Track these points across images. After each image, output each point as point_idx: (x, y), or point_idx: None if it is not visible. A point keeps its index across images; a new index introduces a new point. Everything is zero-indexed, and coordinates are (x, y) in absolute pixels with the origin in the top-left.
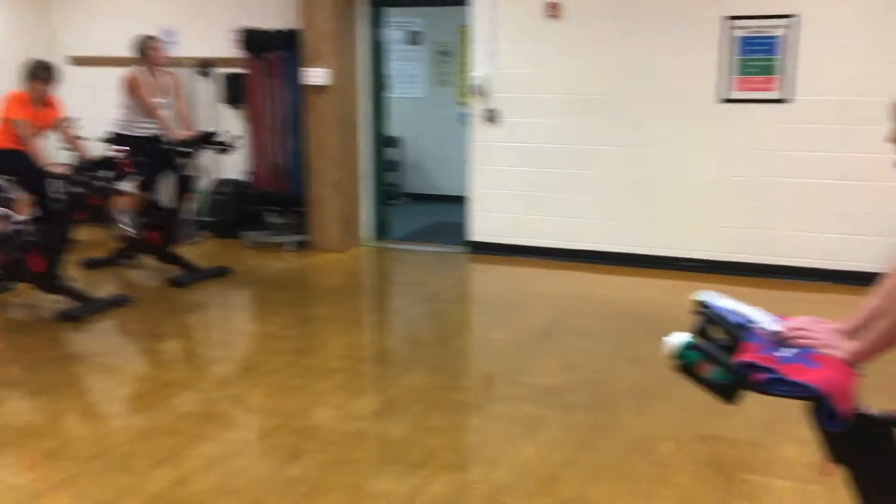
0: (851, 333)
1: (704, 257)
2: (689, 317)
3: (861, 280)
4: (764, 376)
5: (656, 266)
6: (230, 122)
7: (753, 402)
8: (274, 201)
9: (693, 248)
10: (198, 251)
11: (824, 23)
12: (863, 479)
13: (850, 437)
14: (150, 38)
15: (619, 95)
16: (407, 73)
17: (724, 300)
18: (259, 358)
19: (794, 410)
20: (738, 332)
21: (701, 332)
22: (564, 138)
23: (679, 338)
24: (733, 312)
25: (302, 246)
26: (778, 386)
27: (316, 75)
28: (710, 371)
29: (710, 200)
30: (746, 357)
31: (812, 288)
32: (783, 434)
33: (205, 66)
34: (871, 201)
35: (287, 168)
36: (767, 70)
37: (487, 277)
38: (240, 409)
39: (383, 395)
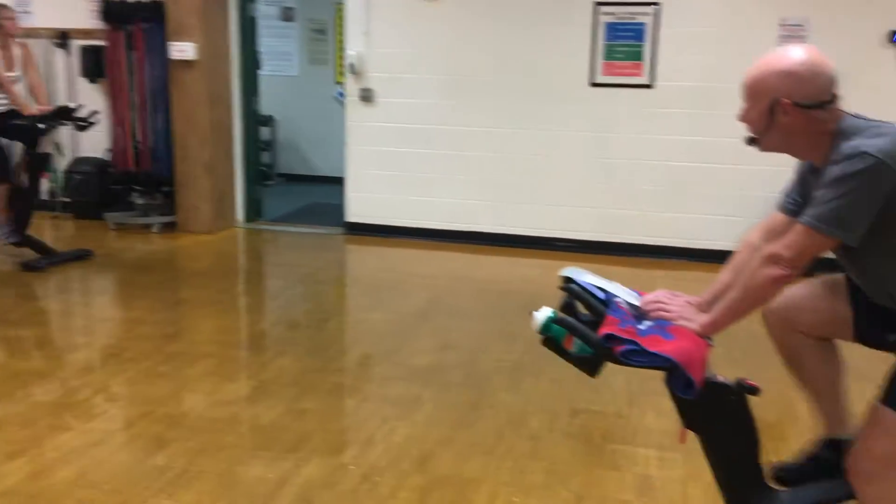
0: (705, 306)
1: (577, 237)
2: (560, 295)
3: (719, 258)
4: (624, 348)
5: (533, 246)
6: (89, 97)
7: (619, 375)
8: (138, 180)
9: (566, 228)
10: (56, 233)
11: (684, 11)
12: (715, 444)
13: (704, 405)
14: (0, 6)
15: (496, 77)
16: (280, 51)
17: (588, 276)
18: (123, 344)
19: (654, 382)
20: (600, 306)
21: (566, 308)
22: (441, 119)
23: (545, 313)
24: (596, 287)
25: (170, 227)
26: (637, 357)
27: (182, 49)
28: (574, 345)
29: (582, 182)
30: (608, 330)
31: (674, 266)
32: (645, 404)
33: (61, 37)
34: (728, 184)
35: (152, 146)
36: (634, 56)
37: (364, 259)
38: (101, 398)
39: (255, 380)
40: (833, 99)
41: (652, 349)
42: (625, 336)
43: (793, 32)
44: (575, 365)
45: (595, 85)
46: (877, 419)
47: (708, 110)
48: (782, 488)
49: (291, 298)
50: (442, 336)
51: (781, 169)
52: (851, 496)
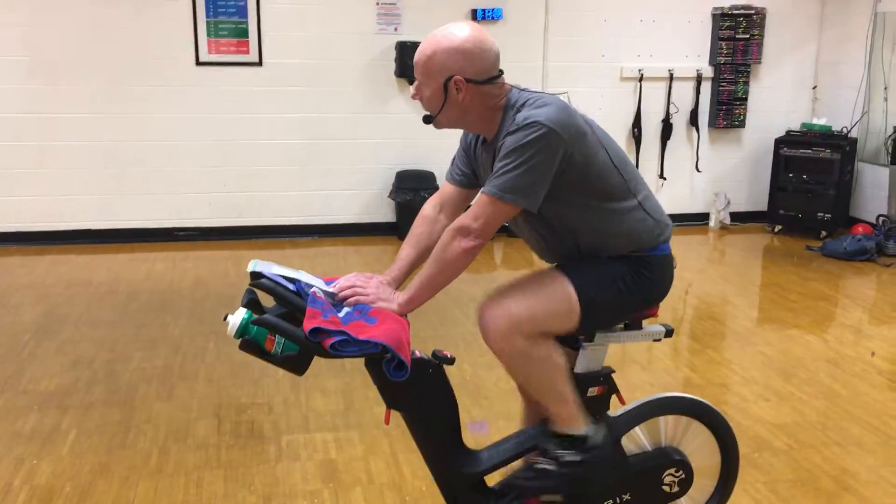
0: (395, 284)
1: (200, 224)
2: (195, 289)
3: (343, 231)
4: (334, 340)
5: (152, 239)
6: None
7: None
8: None
9: (187, 216)
10: None
11: None
12: (419, 418)
13: (408, 382)
14: None
15: (92, 56)
16: None
17: (275, 267)
18: None
19: (315, 365)
20: (298, 299)
21: (252, 304)
22: (27, 106)
23: (240, 315)
24: (288, 279)
25: None
26: (347, 347)
27: None
28: (276, 345)
29: (199, 166)
30: (313, 323)
31: (304, 244)
32: (310, 388)
33: None
34: (345, 158)
35: None
36: (240, 33)
37: None
38: None
39: None
40: (500, 73)
41: (361, 336)
42: (331, 327)
43: (388, 10)
44: (280, 366)
45: (202, 64)
46: (535, 276)
47: (318, 87)
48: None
49: None
50: (70, 352)
51: (396, 141)
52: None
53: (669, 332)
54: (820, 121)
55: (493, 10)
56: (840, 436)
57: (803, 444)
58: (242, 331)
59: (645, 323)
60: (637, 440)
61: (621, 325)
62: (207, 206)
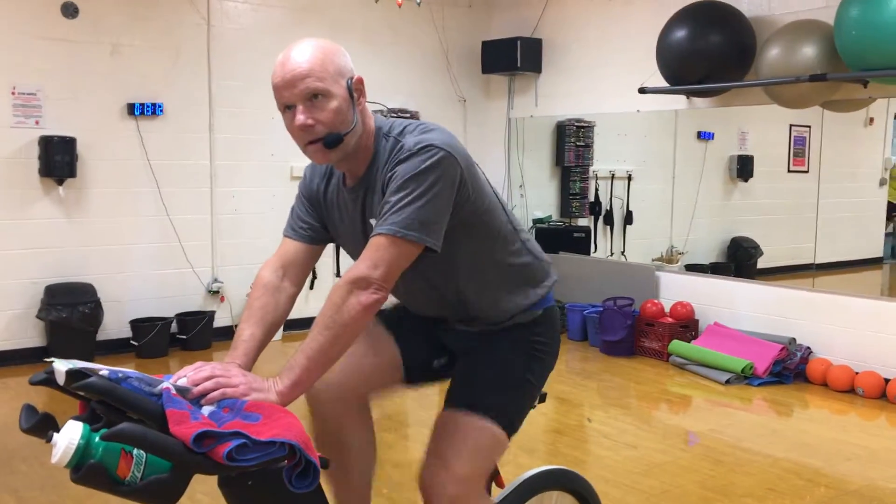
0: (248, 367)
1: None
2: None
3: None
4: (230, 446)
5: None
6: None
7: None
8: None
9: None
10: None
11: None
12: None
13: (295, 494)
14: None
15: None
16: None
17: (89, 365)
18: None
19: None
20: (150, 402)
21: (54, 423)
22: None
23: (75, 431)
24: (121, 376)
25: None
26: (247, 454)
27: None
28: (135, 468)
29: None
30: (190, 428)
31: None
32: None
33: None
34: None
35: None
36: None
37: None
38: None
39: None
40: None
41: (262, 437)
42: (218, 430)
43: (27, 101)
44: (139, 499)
45: None
46: (458, 431)
47: None
48: None
49: None
50: None
51: (43, 251)
52: None
53: (542, 398)
54: None
55: (152, 104)
56: (606, 501)
57: None
58: (82, 454)
59: None
60: None
61: None
62: None
